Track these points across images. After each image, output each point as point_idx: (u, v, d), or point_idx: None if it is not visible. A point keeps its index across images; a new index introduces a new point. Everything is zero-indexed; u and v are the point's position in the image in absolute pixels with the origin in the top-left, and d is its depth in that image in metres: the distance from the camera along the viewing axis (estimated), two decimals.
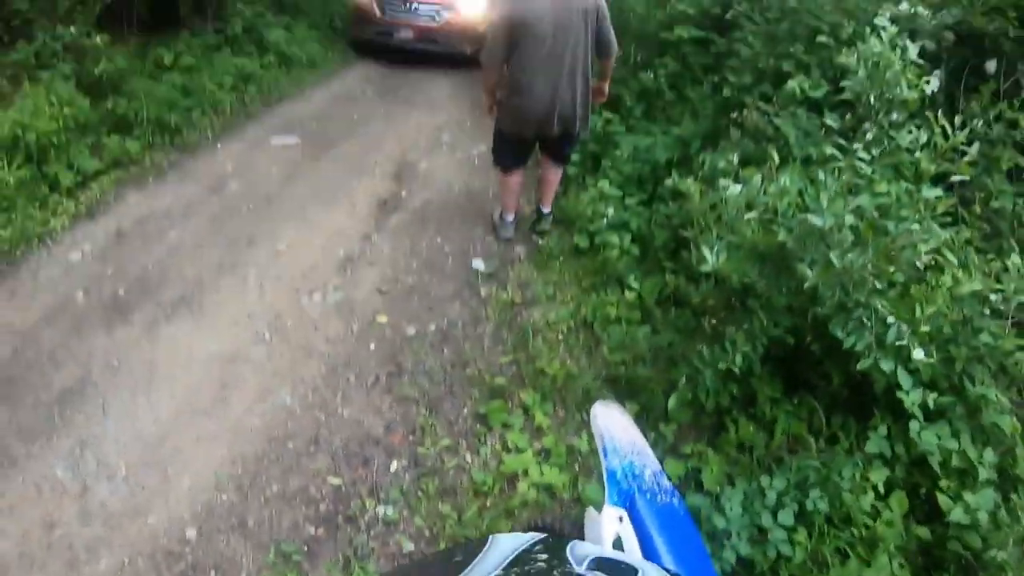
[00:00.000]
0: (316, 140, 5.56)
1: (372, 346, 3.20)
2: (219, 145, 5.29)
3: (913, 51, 2.43)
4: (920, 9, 3.24)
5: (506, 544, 0.99)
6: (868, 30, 2.47)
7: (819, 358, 2.26)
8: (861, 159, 2.27)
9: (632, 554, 1.22)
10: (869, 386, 2.08)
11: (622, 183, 4.14)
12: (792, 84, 3.22)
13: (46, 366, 2.93)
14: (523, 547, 0.99)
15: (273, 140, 5.45)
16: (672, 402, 2.49)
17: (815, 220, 1.95)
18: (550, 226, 4.23)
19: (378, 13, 7.71)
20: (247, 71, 6.37)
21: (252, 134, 5.58)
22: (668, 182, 3.31)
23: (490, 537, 1.02)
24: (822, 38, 3.48)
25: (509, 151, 3.89)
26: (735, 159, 2.44)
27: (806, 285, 1.96)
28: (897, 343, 1.87)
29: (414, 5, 7.65)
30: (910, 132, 2.37)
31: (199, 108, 5.50)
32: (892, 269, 1.97)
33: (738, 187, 2.21)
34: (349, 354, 3.13)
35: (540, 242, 4.14)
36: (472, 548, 0.96)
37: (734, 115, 3.49)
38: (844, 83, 2.54)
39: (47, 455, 2.52)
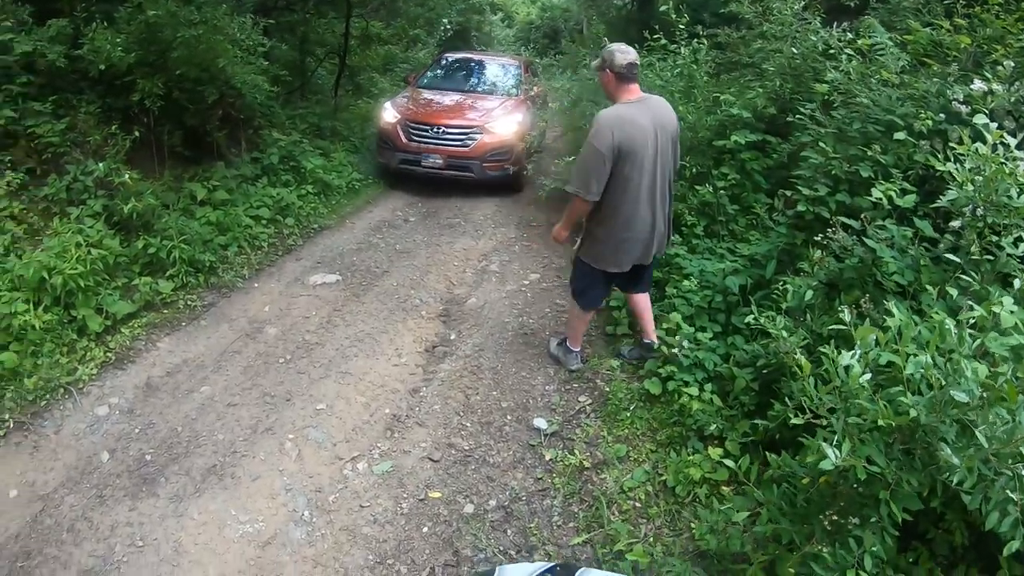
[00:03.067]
0: (357, 276, 6.00)
1: (425, 529, 3.28)
2: (256, 284, 5.76)
3: (1014, 144, 2.51)
4: (996, 87, 3.44)
5: (514, 573, 1.15)
6: (961, 129, 2.59)
7: (941, 511, 2.26)
8: (970, 278, 2.30)
9: None
10: (996, 538, 2.03)
11: (692, 314, 4.31)
12: (877, 192, 3.27)
13: (66, 539, 3.12)
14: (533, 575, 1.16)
15: (312, 279, 5.90)
16: None
17: (959, 395, 1.95)
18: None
19: (403, 139, 8.35)
20: (284, 202, 7.03)
21: (290, 271, 6.07)
22: (749, 318, 3.40)
23: (497, 568, 1.17)
24: (899, 135, 3.65)
25: (599, 286, 4.15)
26: (848, 315, 2.39)
27: (954, 477, 1.96)
28: None
29: (441, 128, 8.27)
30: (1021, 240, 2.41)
31: (234, 244, 6.07)
32: None
33: (853, 355, 2.20)
34: (399, 539, 3.21)
35: (607, 389, 4.30)
36: None
37: (817, 236, 3.54)
38: (946, 197, 2.64)
39: None
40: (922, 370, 2.09)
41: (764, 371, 3.52)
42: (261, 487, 3.49)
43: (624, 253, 3.89)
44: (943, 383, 2.03)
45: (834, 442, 2.16)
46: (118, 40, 5.58)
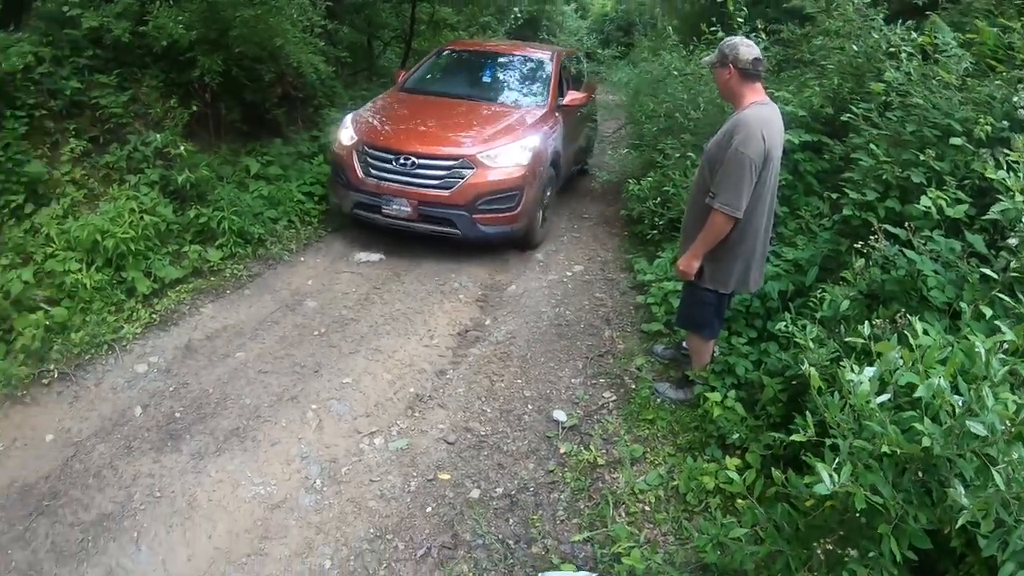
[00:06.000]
0: (401, 255, 6.16)
1: (428, 508, 3.37)
2: (302, 258, 5.99)
3: None
4: None
5: None
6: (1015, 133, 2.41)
7: (960, 552, 2.13)
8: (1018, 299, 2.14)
9: None
10: None
11: (728, 318, 4.17)
12: (926, 201, 3.10)
13: (91, 484, 3.37)
14: None
15: (357, 256, 6.10)
16: None
17: (976, 427, 1.82)
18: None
19: (358, 171, 5.93)
20: None
21: (337, 248, 6.27)
22: (781, 325, 3.26)
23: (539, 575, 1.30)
24: (956, 140, 3.45)
25: (723, 311, 3.82)
26: (867, 329, 2.24)
27: (960, 519, 1.83)
28: None
29: (411, 159, 5.75)
30: None
31: (284, 218, 6.30)
32: None
33: (869, 371, 2.07)
34: (402, 516, 3.32)
35: (633, 387, 4.31)
36: None
37: (858, 244, 3.41)
38: (997, 208, 2.47)
39: None
40: (934, 394, 1.95)
41: (793, 382, 3.42)
42: (279, 452, 3.66)
43: (751, 271, 3.56)
44: (957, 411, 1.92)
45: (834, 465, 2.04)
46: (181, 18, 5.85)
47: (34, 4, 5.68)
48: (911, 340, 2.12)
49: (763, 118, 3.26)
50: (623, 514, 3.32)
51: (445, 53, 8.17)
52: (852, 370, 2.10)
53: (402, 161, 5.75)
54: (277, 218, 6.23)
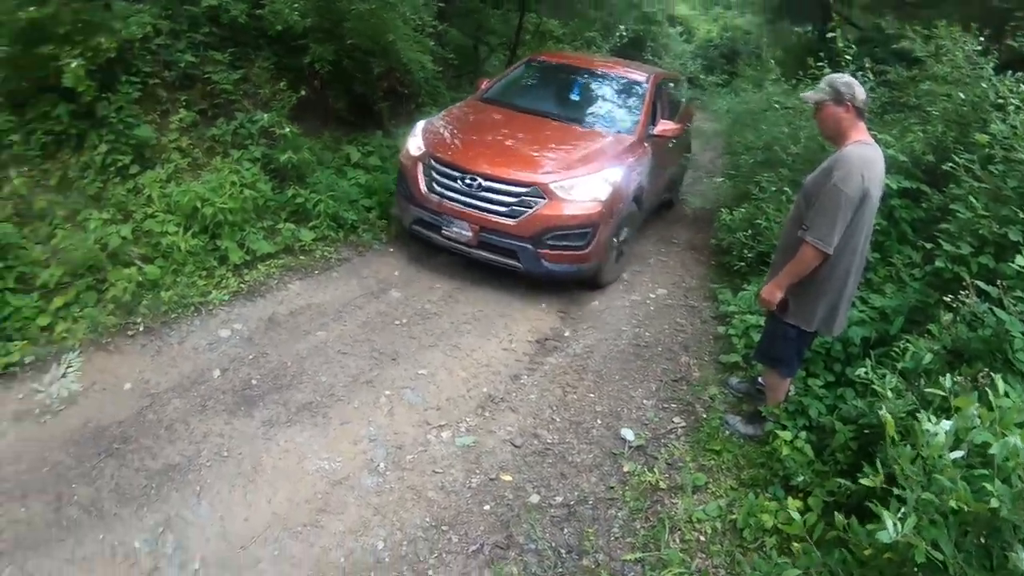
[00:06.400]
0: None
1: (487, 507, 3.31)
2: (391, 248, 6.02)
3: None
4: None
5: None
6: None
7: None
8: None
9: None
10: None
11: (807, 360, 4.05)
12: (1021, 260, 3.03)
13: (162, 435, 3.43)
14: None
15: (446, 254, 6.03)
16: None
17: None
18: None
19: (422, 185, 5.49)
20: None
21: (426, 244, 6.21)
22: (860, 371, 3.14)
23: None
24: None
25: (803, 349, 3.75)
26: (948, 382, 2.21)
27: None
28: None
29: (477, 180, 5.25)
30: None
31: (379, 208, 6.34)
32: None
33: (945, 425, 2.03)
34: (459, 510, 3.27)
35: (704, 415, 4.20)
36: None
37: (948, 298, 3.33)
38: None
39: (133, 522, 2.93)
40: (1008, 456, 1.92)
41: (865, 431, 3.29)
42: (347, 432, 3.65)
43: (837, 312, 3.48)
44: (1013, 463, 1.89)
45: (899, 514, 2.00)
46: (296, 5, 6.01)
47: None
48: (991, 399, 2.09)
49: (866, 158, 3.20)
50: (677, 540, 3.23)
51: (533, 64, 7.51)
52: (929, 419, 2.10)
53: (468, 181, 5.25)
54: (371, 207, 6.29)
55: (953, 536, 2.00)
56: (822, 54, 6.28)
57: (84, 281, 4.24)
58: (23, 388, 3.64)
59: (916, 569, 2.07)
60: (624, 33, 12.89)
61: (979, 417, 2.06)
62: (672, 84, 8.14)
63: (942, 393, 2.21)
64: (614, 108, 6.70)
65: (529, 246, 5.16)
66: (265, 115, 5.80)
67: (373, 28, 6.39)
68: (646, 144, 6.21)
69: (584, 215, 5.21)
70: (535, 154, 5.58)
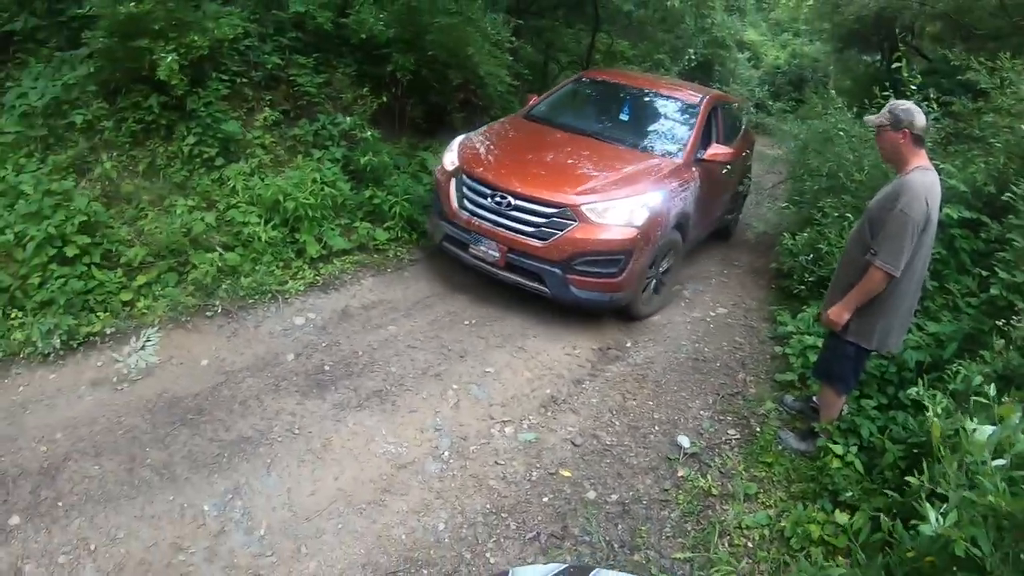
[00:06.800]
0: None
1: (545, 499, 3.34)
2: None
3: None
4: None
5: (528, 575, 1.11)
6: None
7: None
8: None
9: None
10: None
11: (861, 381, 4.01)
12: None
13: (236, 409, 3.53)
14: None
15: None
16: None
17: None
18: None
19: (453, 202, 5.21)
20: None
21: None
22: (912, 390, 3.15)
23: (510, 570, 1.14)
24: None
25: (861, 367, 3.77)
26: (992, 389, 2.25)
27: None
28: None
29: (507, 198, 4.92)
30: None
31: None
32: None
33: (988, 429, 2.05)
34: (519, 500, 3.29)
35: (758, 430, 4.17)
36: None
37: (1000, 322, 3.33)
38: None
39: (203, 487, 3.03)
40: None
41: (915, 450, 3.29)
42: (414, 420, 3.71)
43: (894, 331, 3.52)
44: None
45: (940, 511, 2.10)
46: (381, 16, 6.19)
47: None
48: None
49: (927, 184, 3.27)
50: (726, 544, 3.24)
51: (583, 81, 7.12)
52: (972, 420, 2.16)
53: (497, 199, 4.93)
54: None
55: (992, 536, 2.03)
56: (887, 84, 6.17)
57: (167, 262, 4.42)
58: (102, 357, 3.80)
59: (955, 567, 2.11)
60: (693, 57, 12.80)
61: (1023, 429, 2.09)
62: (732, 107, 7.79)
63: (986, 401, 2.24)
64: (662, 130, 6.28)
65: (557, 270, 4.79)
66: (347, 118, 5.95)
67: (454, 41, 6.53)
68: (694, 169, 5.79)
69: (617, 241, 4.81)
70: (570, 174, 5.22)
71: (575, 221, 4.75)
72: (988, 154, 4.97)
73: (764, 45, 22.40)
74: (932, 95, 5.88)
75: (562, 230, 4.75)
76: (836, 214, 5.78)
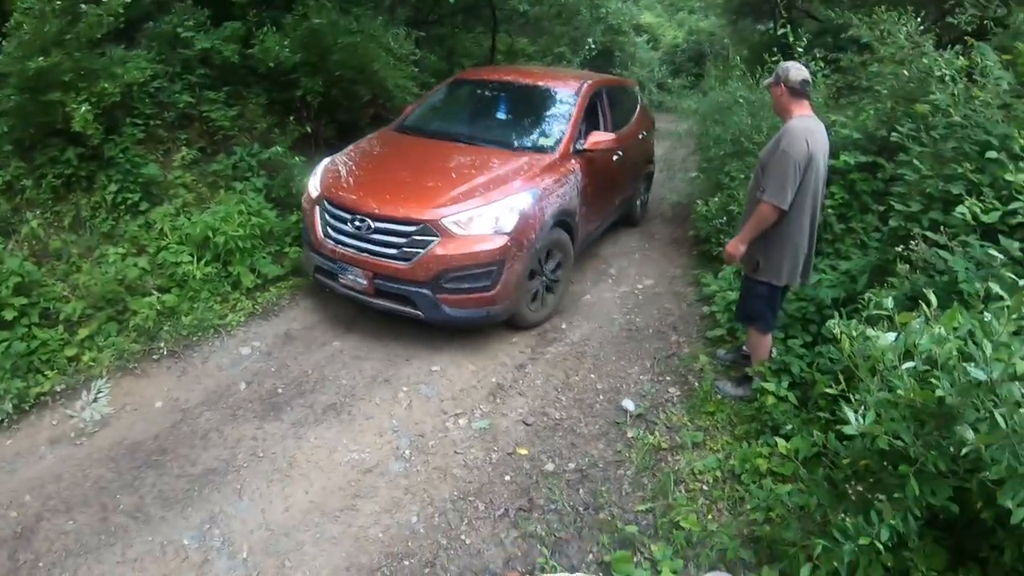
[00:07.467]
0: None
1: (507, 477, 3.50)
2: None
3: None
4: None
5: None
6: None
7: (992, 526, 2.18)
8: None
9: None
10: None
11: (786, 324, 4.33)
12: (961, 209, 3.24)
13: (198, 443, 3.58)
14: None
15: None
16: (803, 572, 2.48)
17: (976, 373, 1.94)
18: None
19: (318, 231, 4.85)
20: None
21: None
22: (830, 323, 3.35)
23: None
24: (992, 153, 3.57)
25: (776, 304, 4.01)
26: (889, 302, 2.46)
27: (964, 451, 1.96)
28: None
29: (367, 221, 4.56)
30: None
31: None
32: None
33: (890, 336, 2.24)
34: (483, 482, 3.45)
35: (696, 384, 4.38)
36: None
37: (901, 248, 3.58)
38: (1016, 204, 2.58)
39: (179, 522, 3.08)
40: (937, 342, 2.14)
41: (841, 376, 3.51)
42: (372, 425, 3.82)
43: (799, 265, 3.81)
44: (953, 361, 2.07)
45: (859, 412, 2.26)
46: (285, 42, 6.20)
47: (145, 25, 6.08)
48: (925, 309, 2.30)
49: (807, 128, 3.60)
50: (683, 490, 3.45)
51: (457, 83, 6.72)
52: (873, 329, 2.32)
53: (357, 223, 4.57)
54: None
55: (912, 428, 2.20)
56: (775, 49, 6.51)
57: (106, 313, 4.40)
58: (56, 415, 3.79)
59: (884, 461, 2.31)
60: (592, 46, 13.04)
61: (924, 332, 2.24)
62: (622, 91, 7.50)
63: (887, 313, 2.42)
64: (539, 124, 5.85)
65: (427, 291, 4.43)
66: (273, 147, 5.98)
67: (359, 58, 6.60)
68: (573, 161, 5.43)
69: (485, 252, 4.46)
70: (432, 186, 4.79)
71: (437, 236, 4.40)
72: (877, 101, 5.30)
73: (661, 26, 22.82)
74: (819, 55, 6.33)
75: (425, 248, 4.40)
76: (742, 176, 6.09)
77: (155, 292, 4.62)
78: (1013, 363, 1.93)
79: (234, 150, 5.97)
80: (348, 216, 4.62)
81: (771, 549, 2.93)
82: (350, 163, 5.26)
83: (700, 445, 3.78)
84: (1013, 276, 2.43)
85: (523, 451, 3.69)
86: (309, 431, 3.71)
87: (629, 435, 3.88)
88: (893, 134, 4.43)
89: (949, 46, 4.84)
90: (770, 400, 3.73)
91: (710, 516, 3.23)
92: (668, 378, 4.50)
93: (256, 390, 4.07)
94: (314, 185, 5.07)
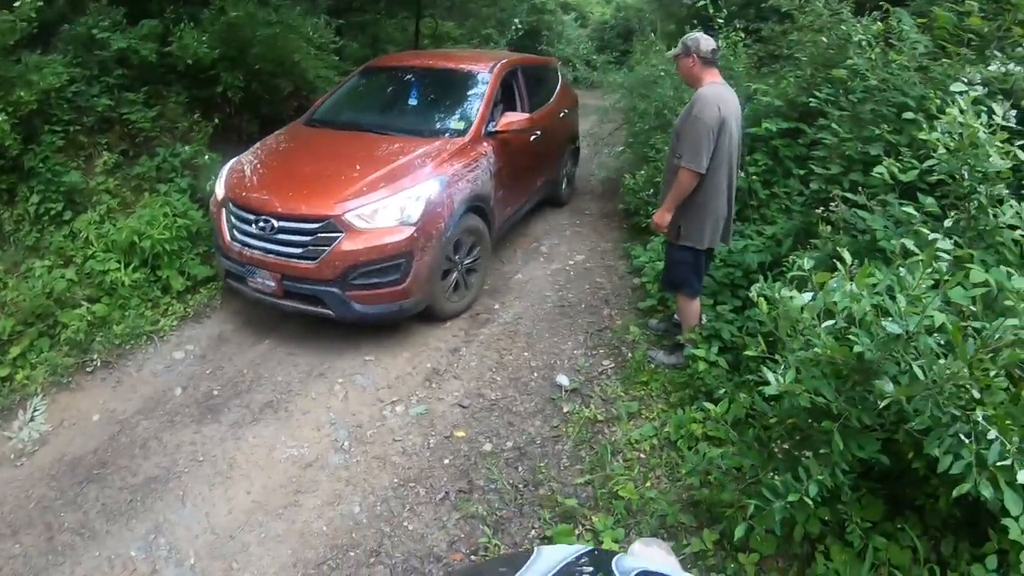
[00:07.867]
0: None
1: (447, 461, 3.59)
2: None
3: (1000, 112, 2.52)
4: (1013, 67, 3.40)
5: (552, 556, 1.19)
6: (950, 100, 2.62)
7: (924, 475, 2.26)
8: (958, 244, 2.30)
9: (677, 570, 1.34)
10: (983, 505, 2.02)
11: (715, 290, 4.46)
12: (880, 169, 3.29)
13: (137, 454, 3.59)
14: (569, 559, 1.19)
15: None
16: (738, 532, 2.58)
17: (893, 327, 1.99)
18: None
19: (225, 234, 4.70)
20: None
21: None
22: (755, 287, 3.42)
23: (536, 548, 1.23)
24: (909, 114, 3.67)
25: (701, 268, 4.11)
26: (808, 263, 2.48)
27: (883, 403, 2.02)
28: (1000, 463, 1.86)
29: (270, 221, 4.42)
30: (1011, 207, 2.43)
31: None
32: (992, 374, 1.91)
33: (807, 296, 2.27)
34: (422, 468, 3.53)
35: (629, 355, 4.50)
36: (518, 560, 1.17)
37: (822, 210, 3.69)
38: (930, 162, 2.69)
39: (125, 534, 3.10)
40: (850, 303, 2.15)
41: (770, 339, 3.58)
42: (309, 420, 3.87)
43: (719, 227, 3.93)
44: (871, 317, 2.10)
45: (780, 371, 2.29)
46: (203, 38, 6.10)
47: (60, 28, 5.92)
48: (842, 269, 2.29)
49: (718, 94, 3.73)
50: (620, 460, 3.55)
51: (368, 71, 6.56)
52: (790, 291, 2.32)
53: (261, 223, 4.42)
54: None
55: (833, 384, 2.27)
56: (695, 22, 6.63)
57: (36, 328, 4.33)
58: None
59: (809, 418, 2.37)
60: (519, 26, 13.02)
61: (838, 287, 2.26)
62: (541, 69, 7.45)
63: (804, 274, 2.45)
64: (451, 108, 5.74)
65: (335, 289, 4.33)
66: (186, 147, 5.88)
67: (279, 50, 6.55)
68: (486, 143, 5.33)
69: (391, 244, 4.34)
70: (336, 180, 4.62)
71: (342, 232, 4.29)
72: (797, 68, 5.44)
73: (589, 3, 22.85)
74: (739, 25, 6.49)
75: (330, 245, 4.28)
76: (667, 148, 6.20)
77: (85, 303, 4.56)
78: (930, 315, 1.98)
79: (156, 151, 5.86)
80: (252, 217, 4.48)
81: (710, 512, 3.06)
82: (255, 161, 5.10)
83: (636, 415, 3.89)
84: (925, 231, 2.47)
85: (460, 433, 3.78)
86: (247, 431, 3.74)
87: (565, 410, 3.98)
88: (812, 100, 4.52)
89: (868, 13, 4.95)
90: (702, 366, 3.84)
91: (648, 484, 3.34)
92: (601, 351, 4.62)
93: (192, 394, 4.08)
94: (219, 187, 4.93)
